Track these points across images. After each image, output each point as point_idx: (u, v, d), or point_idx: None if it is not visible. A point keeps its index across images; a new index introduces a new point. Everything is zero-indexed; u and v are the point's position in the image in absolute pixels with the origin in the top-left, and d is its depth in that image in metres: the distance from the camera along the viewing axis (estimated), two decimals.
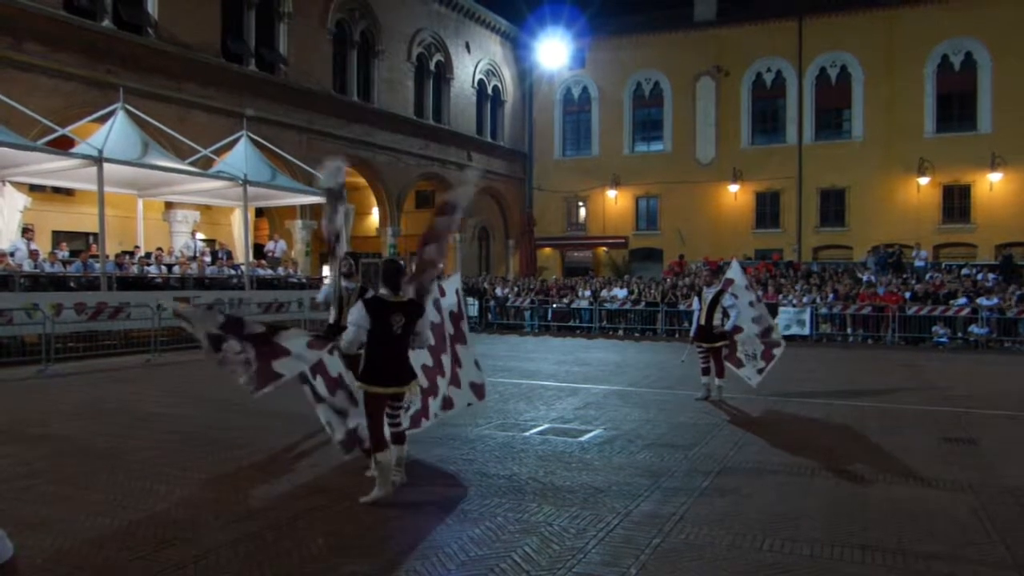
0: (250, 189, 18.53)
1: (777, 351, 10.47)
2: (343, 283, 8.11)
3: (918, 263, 25.12)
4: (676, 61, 33.50)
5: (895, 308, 19.75)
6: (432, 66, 30.53)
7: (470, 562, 4.40)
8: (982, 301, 19.31)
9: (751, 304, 10.50)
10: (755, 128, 33.24)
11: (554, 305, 24.16)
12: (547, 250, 36.63)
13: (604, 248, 35.42)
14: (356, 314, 5.59)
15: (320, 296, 8.61)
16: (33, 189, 18.11)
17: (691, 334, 10.91)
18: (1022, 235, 27.59)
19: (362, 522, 5.10)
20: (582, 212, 36.23)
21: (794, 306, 20.77)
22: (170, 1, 19.95)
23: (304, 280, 21.08)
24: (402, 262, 5.85)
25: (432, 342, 6.31)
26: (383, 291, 5.73)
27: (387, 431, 5.74)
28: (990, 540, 4.79)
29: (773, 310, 20.57)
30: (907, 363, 15.31)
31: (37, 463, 6.60)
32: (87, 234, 19.03)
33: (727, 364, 10.48)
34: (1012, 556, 4.52)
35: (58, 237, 18.60)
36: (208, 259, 19.16)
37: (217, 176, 18.28)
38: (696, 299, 10.74)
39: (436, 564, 4.36)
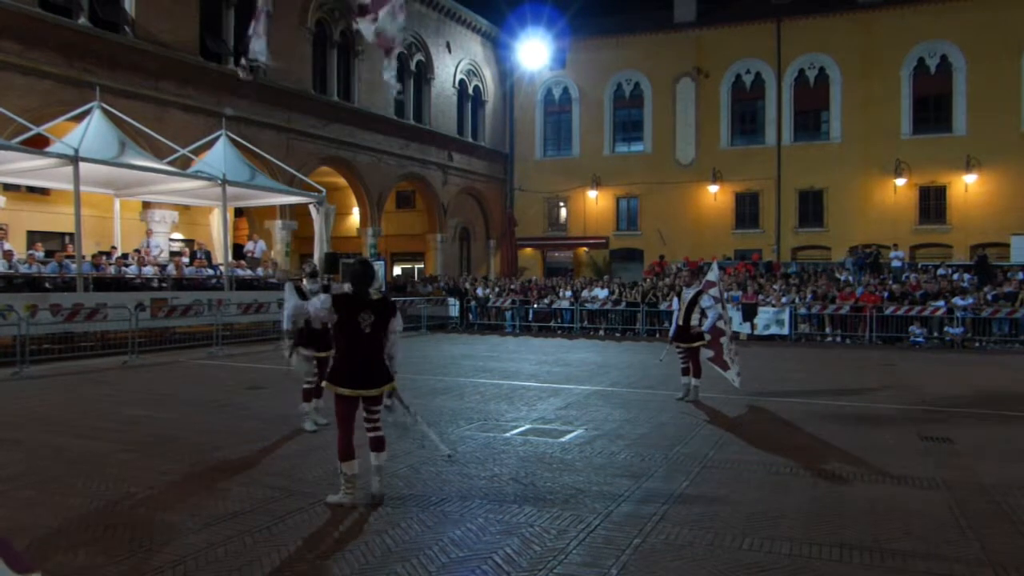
0: (229, 189, 18.40)
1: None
2: (306, 284, 8.24)
3: (895, 263, 25.39)
4: (656, 62, 33.65)
5: (873, 308, 19.96)
6: (413, 66, 30.45)
7: (451, 564, 4.39)
8: (957, 301, 19.55)
9: (724, 306, 10.62)
10: (734, 129, 33.47)
11: (535, 305, 24.18)
12: (528, 250, 36.65)
13: (585, 248, 35.50)
14: (319, 303, 5.49)
15: (286, 322, 8.37)
16: (7, 188, 17.88)
17: (670, 335, 10.96)
18: (996, 236, 27.96)
19: (341, 525, 5.07)
20: (563, 212, 36.29)
21: (773, 306, 20.93)
22: None
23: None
24: (379, 262, 5.73)
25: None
26: (348, 287, 5.52)
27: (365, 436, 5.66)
28: (965, 537, 4.85)
29: (753, 310, 20.77)
30: (884, 362, 15.47)
31: (11, 467, 6.51)
32: (63, 234, 18.79)
33: (714, 366, 10.54)
34: (986, 553, 4.58)
35: (33, 237, 18.38)
36: (186, 259, 19.00)
37: (195, 176, 18.12)
38: (676, 299, 10.79)
39: (417, 566, 4.34)
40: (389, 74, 7.50)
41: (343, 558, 4.48)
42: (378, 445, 5.56)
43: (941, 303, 19.72)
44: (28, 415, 9.02)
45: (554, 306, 23.96)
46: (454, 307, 24.71)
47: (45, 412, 9.23)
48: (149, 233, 19.77)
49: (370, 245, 28.07)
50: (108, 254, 17.46)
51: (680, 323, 10.34)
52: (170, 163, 18.11)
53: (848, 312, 20.33)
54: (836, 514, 5.31)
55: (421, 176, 31.04)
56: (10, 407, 9.59)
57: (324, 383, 5.56)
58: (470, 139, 34.52)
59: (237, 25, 22.90)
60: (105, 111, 16.83)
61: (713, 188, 32.90)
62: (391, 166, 29.17)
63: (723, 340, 10.43)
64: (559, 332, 23.09)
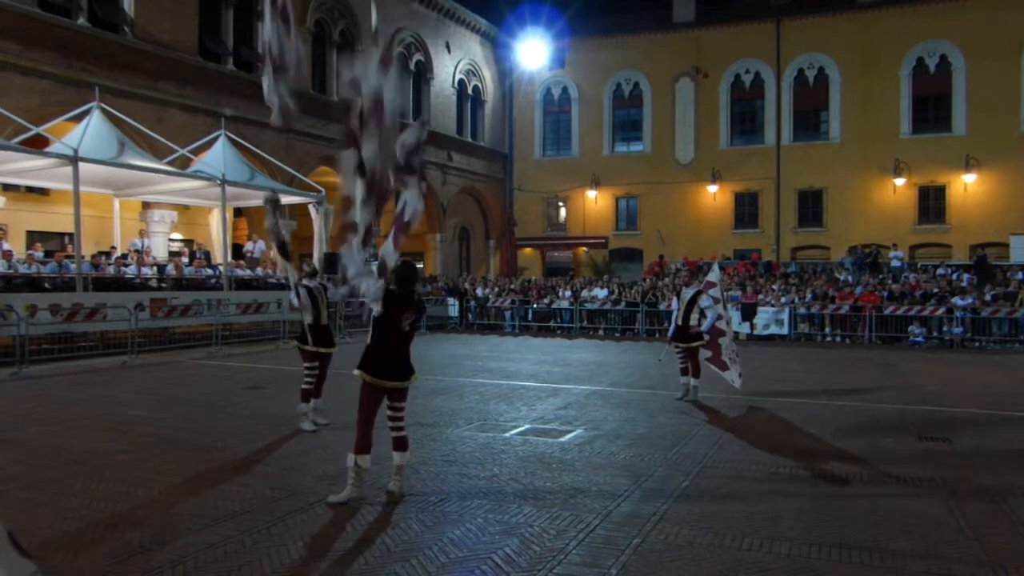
0: (228, 189, 18.38)
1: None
2: (308, 283, 8.30)
3: (894, 263, 25.40)
4: (655, 62, 33.65)
5: (872, 308, 19.96)
6: (412, 66, 30.45)
7: (450, 564, 4.40)
8: (957, 301, 19.55)
9: (725, 307, 10.64)
10: (734, 129, 33.46)
11: (534, 305, 24.18)
12: (527, 250, 36.65)
13: (584, 248, 35.50)
14: (375, 289, 5.44)
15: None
16: (7, 188, 17.87)
17: (669, 334, 10.97)
18: (995, 235, 27.97)
19: (340, 525, 5.07)
20: (562, 212, 36.29)
21: (772, 306, 20.93)
22: None
23: (284, 280, 20.91)
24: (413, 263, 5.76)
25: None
26: (394, 288, 5.61)
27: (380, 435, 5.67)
28: (965, 538, 4.86)
29: (752, 310, 20.78)
30: (884, 362, 15.47)
31: (11, 467, 6.50)
32: (62, 234, 18.77)
33: (712, 366, 10.54)
34: (986, 554, 4.59)
35: (32, 237, 18.36)
36: (185, 259, 18.99)
37: (195, 176, 18.11)
38: (675, 299, 10.81)
39: (416, 567, 4.35)
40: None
41: (343, 558, 4.48)
42: (401, 445, 5.69)
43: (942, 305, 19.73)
44: (28, 415, 9.01)
45: (553, 306, 23.96)
46: (453, 307, 24.71)
47: (45, 412, 9.23)
48: (143, 233, 19.74)
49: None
50: (107, 254, 17.45)
51: (679, 323, 10.34)
52: (169, 163, 18.10)
53: (847, 312, 20.34)
54: (835, 514, 5.32)
55: None
56: (10, 407, 9.59)
57: (357, 372, 5.59)
58: (469, 139, 34.51)
59: (236, 25, 22.91)
60: (104, 111, 16.82)
61: (712, 188, 32.89)
62: None
63: (722, 340, 10.43)
64: (558, 332, 23.09)
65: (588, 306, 23.29)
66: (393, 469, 5.65)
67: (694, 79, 33.22)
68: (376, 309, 5.52)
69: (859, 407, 9.89)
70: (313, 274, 8.68)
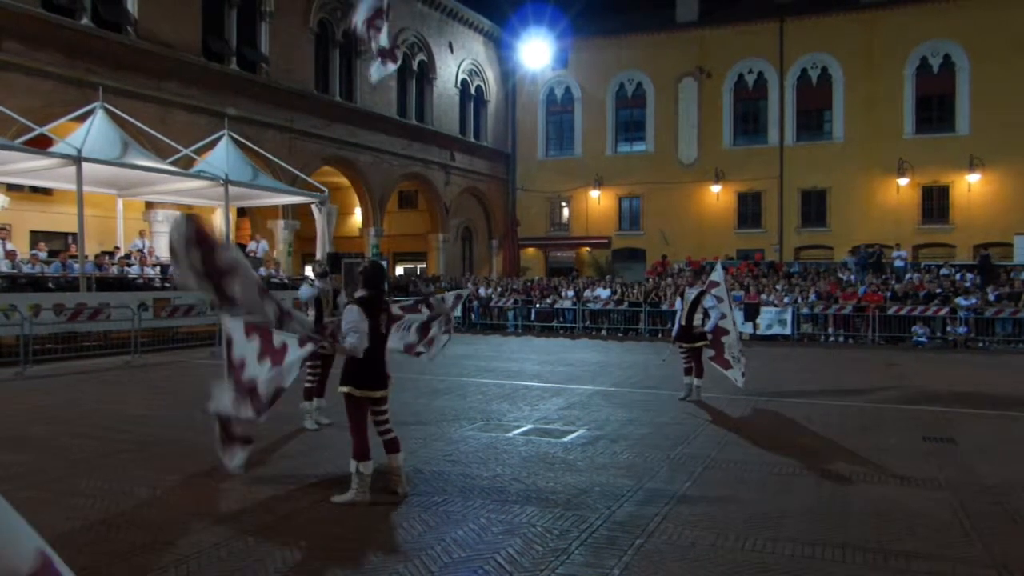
0: (231, 189, 18.41)
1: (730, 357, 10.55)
2: (317, 284, 8.30)
3: (898, 263, 25.34)
4: (658, 62, 33.62)
5: (875, 308, 19.92)
6: (415, 66, 30.45)
7: (453, 564, 4.40)
8: (960, 301, 19.50)
9: (730, 307, 10.62)
10: (737, 129, 33.42)
11: (537, 305, 24.16)
12: (530, 250, 36.65)
13: (587, 248, 35.48)
14: (354, 316, 5.36)
15: (303, 296, 8.56)
16: (10, 188, 17.89)
17: (673, 335, 10.96)
18: (999, 235, 27.91)
19: (344, 524, 5.07)
20: (565, 212, 36.28)
21: (775, 306, 20.89)
22: None
23: (286, 280, 20.95)
24: (384, 262, 5.73)
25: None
26: (364, 292, 5.58)
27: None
28: (968, 538, 4.85)
29: (755, 310, 20.74)
30: (887, 362, 15.43)
31: (14, 467, 6.52)
32: (66, 234, 18.80)
33: (715, 365, 10.53)
34: (990, 554, 4.58)
35: (36, 237, 18.39)
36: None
37: (198, 176, 18.13)
38: (679, 299, 10.80)
39: (419, 566, 4.35)
40: (378, 74, 7.57)
41: (345, 558, 4.49)
42: (393, 446, 5.68)
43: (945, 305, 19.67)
44: (31, 415, 9.03)
45: (556, 306, 23.93)
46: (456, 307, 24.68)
47: (48, 412, 9.25)
48: (143, 233, 19.75)
49: (372, 245, 28.08)
50: (111, 254, 17.48)
51: (683, 323, 10.34)
52: (173, 163, 18.11)
53: (851, 312, 20.29)
54: (839, 514, 5.31)
55: (423, 176, 31.05)
56: (13, 407, 9.61)
57: (347, 388, 5.50)
58: (472, 139, 34.51)
59: (239, 26, 22.94)
60: (108, 111, 16.84)
61: (715, 188, 32.85)
62: (393, 166, 29.17)
63: (724, 340, 10.42)
64: (561, 332, 23.07)
65: (591, 306, 23.26)
66: (394, 471, 5.66)
67: (697, 79, 33.18)
68: (365, 327, 5.38)
69: (862, 407, 9.87)
70: (324, 274, 8.63)
